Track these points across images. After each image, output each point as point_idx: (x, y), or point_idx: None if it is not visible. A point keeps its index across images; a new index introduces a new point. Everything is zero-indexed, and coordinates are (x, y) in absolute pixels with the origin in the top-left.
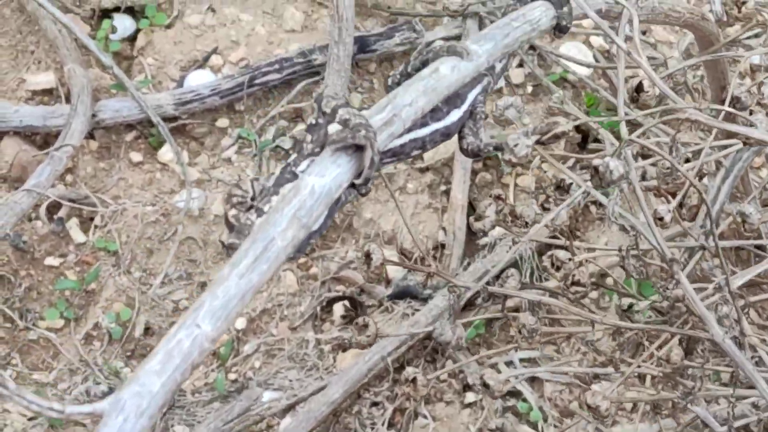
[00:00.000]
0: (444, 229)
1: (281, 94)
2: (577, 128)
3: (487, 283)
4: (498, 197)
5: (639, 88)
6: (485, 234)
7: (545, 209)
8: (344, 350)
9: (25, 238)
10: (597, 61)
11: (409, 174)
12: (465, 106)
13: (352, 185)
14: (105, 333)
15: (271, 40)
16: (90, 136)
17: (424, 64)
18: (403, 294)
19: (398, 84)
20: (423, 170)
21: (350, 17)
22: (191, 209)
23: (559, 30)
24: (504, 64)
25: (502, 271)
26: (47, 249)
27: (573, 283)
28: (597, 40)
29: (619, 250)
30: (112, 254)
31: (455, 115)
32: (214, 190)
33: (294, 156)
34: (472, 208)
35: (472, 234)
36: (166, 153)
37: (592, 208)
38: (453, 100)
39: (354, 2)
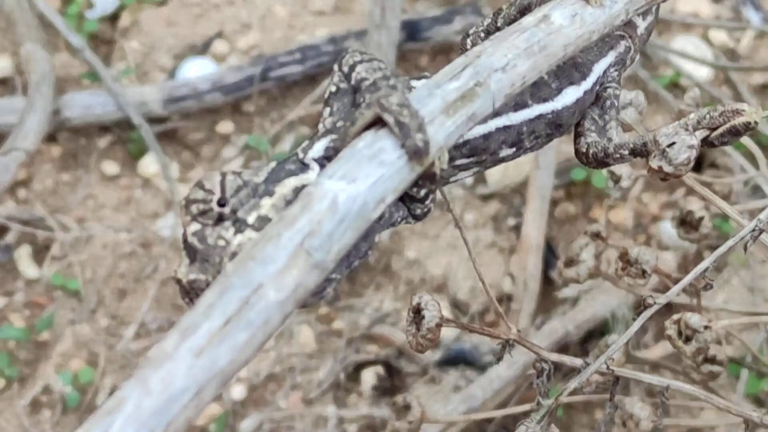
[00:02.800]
0: (512, 275)
1: (303, 92)
2: None
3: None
4: (596, 235)
5: None
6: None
7: None
8: None
9: None
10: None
11: (467, 202)
12: (588, 84)
13: (403, 198)
14: (58, 399)
15: (292, 24)
16: (52, 138)
17: (524, 12)
18: (455, 359)
19: None
20: (486, 197)
21: None
22: (179, 238)
23: None
24: (650, 23)
25: (588, 334)
26: None
27: (705, 360)
28: (718, 36)
29: None
30: (72, 295)
31: (571, 95)
32: None
33: (304, 143)
34: (549, 249)
35: (547, 283)
36: (149, 164)
37: (706, 254)
38: (569, 71)
39: None
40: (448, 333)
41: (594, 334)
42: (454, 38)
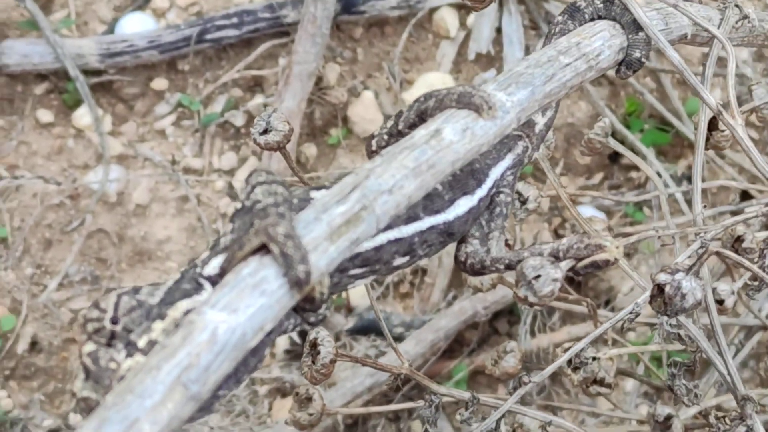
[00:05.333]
0: None
1: (238, 56)
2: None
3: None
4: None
5: (712, 125)
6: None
7: (559, 236)
8: (284, 396)
9: None
10: None
11: None
12: (483, 191)
13: (296, 307)
14: None
15: None
16: None
17: (422, 117)
18: (367, 328)
19: (386, 147)
20: None
21: None
22: (107, 193)
23: (629, 66)
24: (550, 117)
25: (496, 314)
26: None
27: (594, 381)
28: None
29: (670, 365)
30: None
31: (464, 205)
32: (139, 171)
33: (205, 254)
34: None
35: None
36: (83, 116)
37: None
38: (464, 180)
39: None
40: (362, 302)
41: (503, 314)
42: (388, 12)
